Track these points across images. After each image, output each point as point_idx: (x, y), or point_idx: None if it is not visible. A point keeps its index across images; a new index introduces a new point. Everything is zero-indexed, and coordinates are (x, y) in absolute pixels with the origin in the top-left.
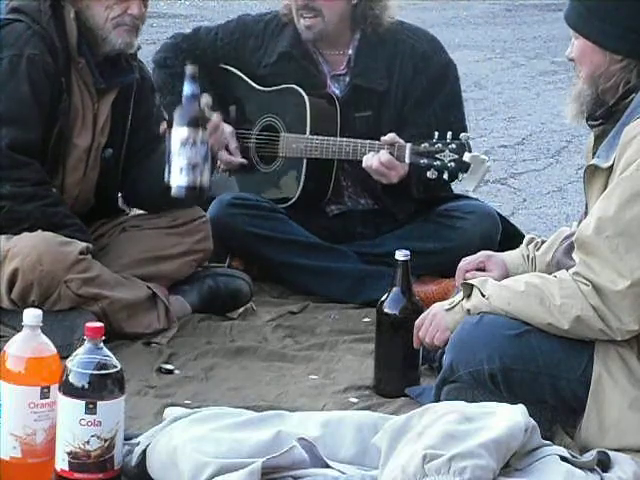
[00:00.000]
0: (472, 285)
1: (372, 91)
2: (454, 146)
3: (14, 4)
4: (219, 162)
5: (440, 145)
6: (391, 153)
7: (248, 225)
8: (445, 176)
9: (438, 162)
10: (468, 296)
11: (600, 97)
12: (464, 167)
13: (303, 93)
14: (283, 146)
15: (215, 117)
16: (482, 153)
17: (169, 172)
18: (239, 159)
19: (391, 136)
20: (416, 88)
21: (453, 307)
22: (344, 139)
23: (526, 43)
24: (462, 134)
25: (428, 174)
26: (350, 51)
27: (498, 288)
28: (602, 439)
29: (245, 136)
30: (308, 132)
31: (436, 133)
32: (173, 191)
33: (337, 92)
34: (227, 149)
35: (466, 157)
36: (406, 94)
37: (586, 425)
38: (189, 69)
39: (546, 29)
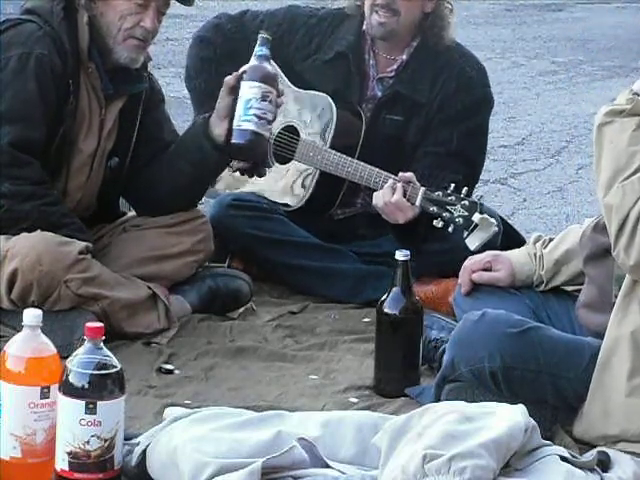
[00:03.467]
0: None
1: (411, 99)
2: (466, 203)
3: (28, 5)
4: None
5: (453, 198)
6: (405, 191)
7: (248, 226)
8: (450, 229)
9: (447, 214)
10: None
11: None
12: (470, 227)
13: (334, 106)
14: (300, 151)
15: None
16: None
17: (236, 118)
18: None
19: (409, 175)
20: (451, 106)
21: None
22: (361, 163)
23: (526, 43)
24: (477, 194)
25: (435, 222)
26: (404, 56)
27: (627, 128)
28: (604, 424)
29: None
30: (328, 145)
31: (452, 185)
32: (236, 134)
33: (379, 93)
34: None
35: (475, 218)
36: (440, 108)
37: (588, 410)
38: (262, 34)
39: (546, 29)
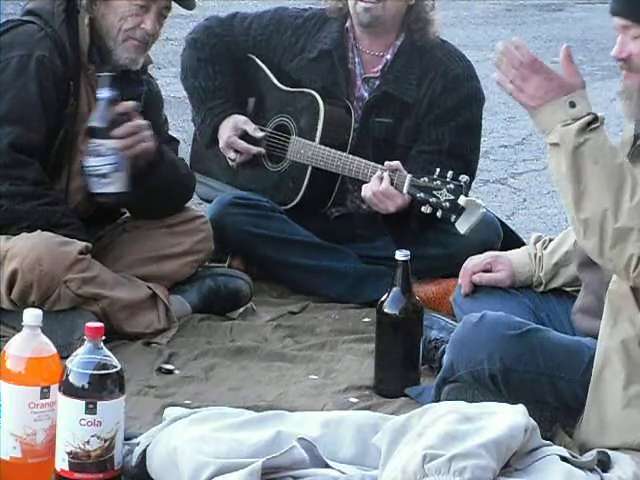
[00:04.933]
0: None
1: (399, 100)
2: (452, 187)
3: (29, 6)
4: (231, 153)
5: (439, 182)
6: (392, 179)
7: (248, 225)
8: (439, 214)
9: (434, 199)
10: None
11: None
12: (457, 210)
13: (320, 101)
14: (292, 149)
15: (134, 123)
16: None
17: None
18: (256, 148)
19: (396, 163)
20: (439, 105)
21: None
22: (350, 156)
23: (526, 43)
24: (463, 176)
25: (423, 208)
26: (389, 56)
27: (602, 141)
28: (602, 436)
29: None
30: (317, 141)
31: (437, 169)
32: (96, 197)
33: (365, 94)
34: (243, 138)
35: (461, 201)
36: (429, 108)
37: (586, 422)
38: (104, 75)
39: (546, 29)
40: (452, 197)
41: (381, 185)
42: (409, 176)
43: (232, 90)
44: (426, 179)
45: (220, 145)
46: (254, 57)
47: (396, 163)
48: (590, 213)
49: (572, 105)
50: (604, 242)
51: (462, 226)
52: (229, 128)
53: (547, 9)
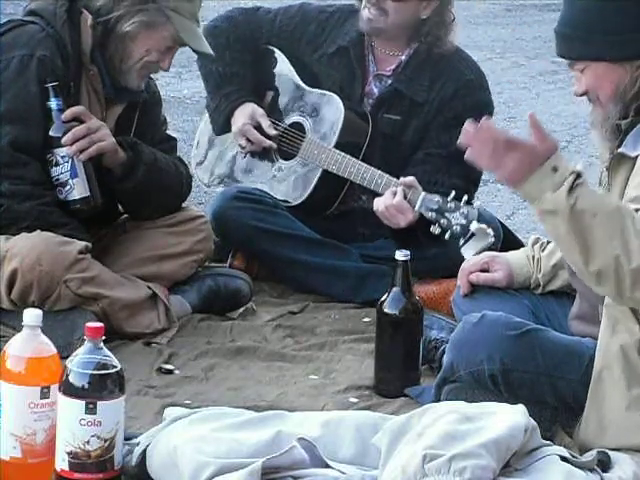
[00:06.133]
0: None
1: (409, 99)
2: (465, 211)
3: (31, 6)
4: (243, 140)
5: (452, 205)
6: (405, 194)
7: (251, 219)
8: (447, 236)
9: (445, 220)
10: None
11: (628, 104)
12: (467, 235)
13: (342, 107)
14: (305, 148)
15: (82, 125)
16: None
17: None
18: (268, 142)
19: (410, 179)
20: (450, 109)
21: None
22: (364, 164)
23: (526, 43)
24: (477, 203)
25: (432, 228)
26: (403, 57)
27: (591, 193)
28: (601, 438)
29: (273, 125)
30: (333, 144)
31: (453, 192)
32: (68, 206)
33: (375, 90)
34: (257, 129)
35: (473, 226)
36: (439, 111)
37: (585, 423)
38: (49, 85)
39: (546, 29)
40: (464, 222)
41: (394, 199)
42: (423, 193)
43: (249, 78)
44: (440, 200)
45: (233, 130)
46: (275, 49)
47: (411, 179)
48: (601, 264)
49: (554, 170)
50: (622, 285)
51: (468, 252)
52: (245, 116)
53: (547, 9)
